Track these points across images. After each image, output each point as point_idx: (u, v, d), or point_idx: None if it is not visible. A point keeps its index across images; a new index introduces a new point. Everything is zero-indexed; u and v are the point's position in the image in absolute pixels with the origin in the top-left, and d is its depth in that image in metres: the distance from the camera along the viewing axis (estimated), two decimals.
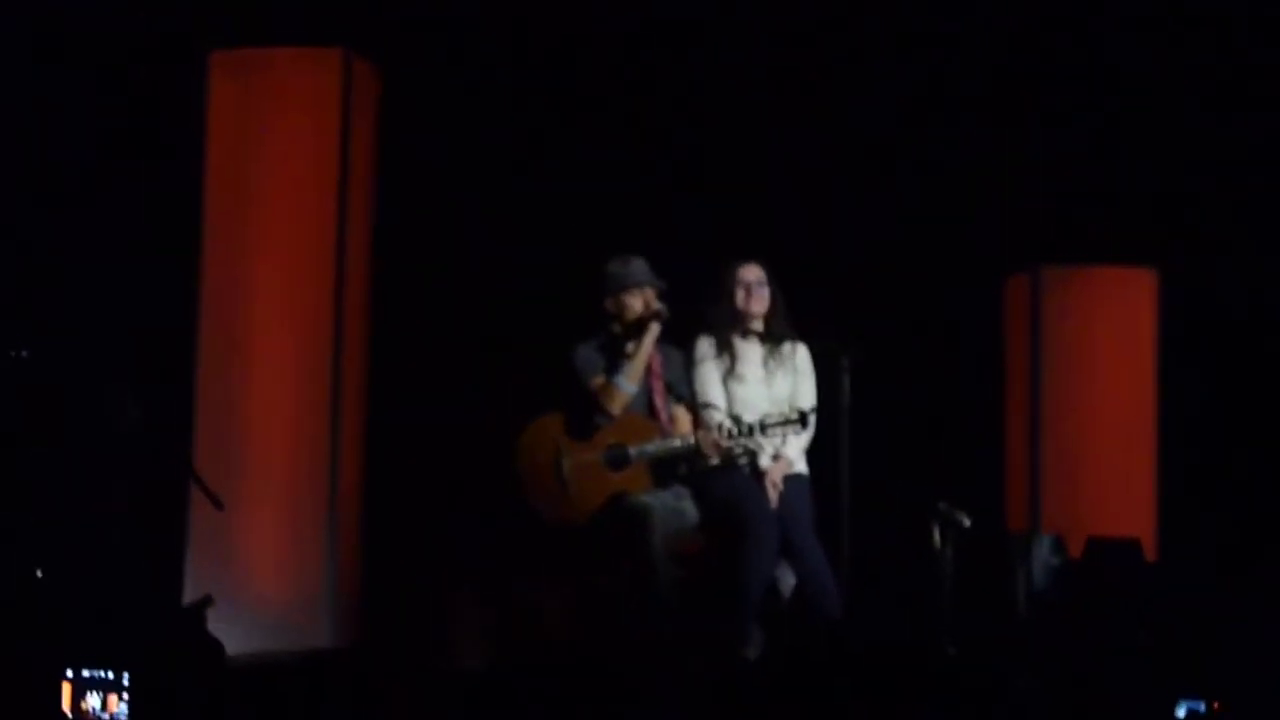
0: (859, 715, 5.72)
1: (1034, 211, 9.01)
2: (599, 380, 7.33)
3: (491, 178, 8.77)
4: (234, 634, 7.01)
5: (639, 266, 7.39)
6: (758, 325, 7.42)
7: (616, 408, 7.28)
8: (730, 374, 7.42)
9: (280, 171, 8.26)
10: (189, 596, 7.73)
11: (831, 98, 8.77)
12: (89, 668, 5.84)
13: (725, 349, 7.44)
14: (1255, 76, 8.71)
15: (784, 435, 7.26)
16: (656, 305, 7.35)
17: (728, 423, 7.26)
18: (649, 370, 7.40)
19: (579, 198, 8.64)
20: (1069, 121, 8.90)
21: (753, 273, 7.41)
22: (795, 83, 8.77)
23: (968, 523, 7.59)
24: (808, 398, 7.40)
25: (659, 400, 7.37)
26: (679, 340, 7.49)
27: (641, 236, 7.71)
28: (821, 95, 8.77)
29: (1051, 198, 8.98)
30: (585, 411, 7.33)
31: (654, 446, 7.23)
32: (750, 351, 7.44)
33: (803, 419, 7.19)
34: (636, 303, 7.38)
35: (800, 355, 7.49)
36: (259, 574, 8.11)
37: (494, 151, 8.74)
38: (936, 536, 7.66)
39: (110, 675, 5.86)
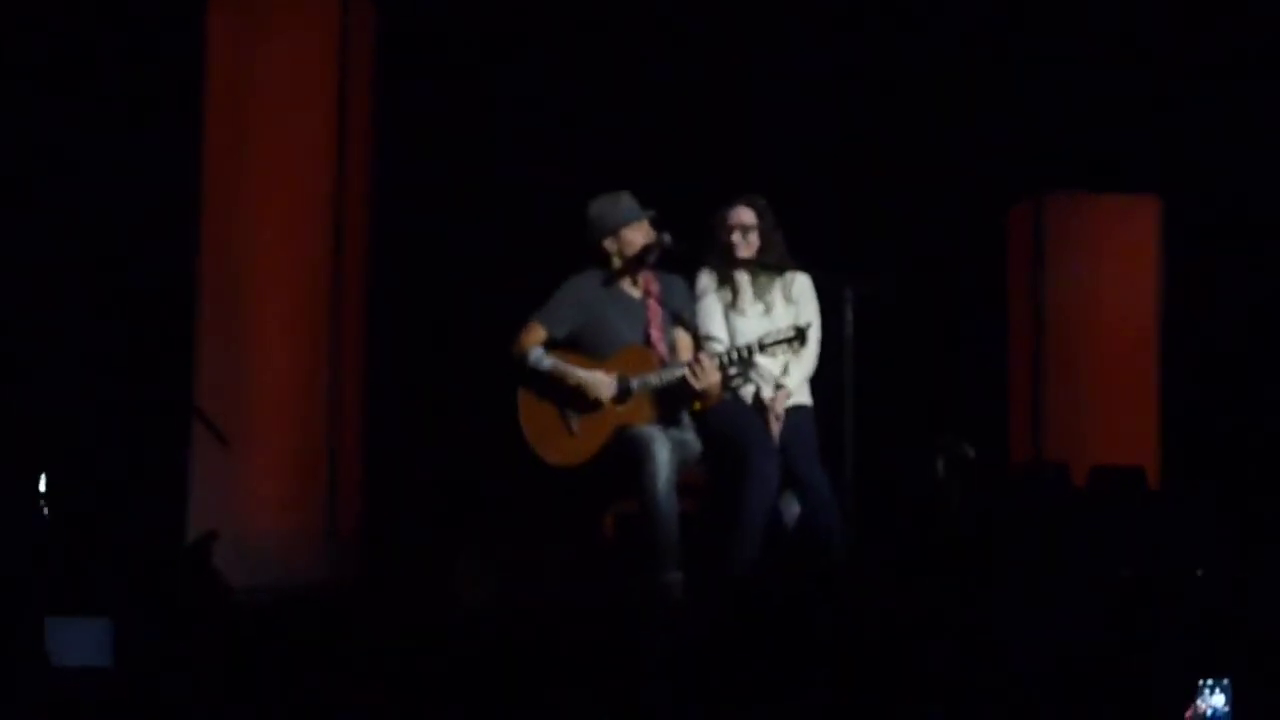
0: (858, 653, 5.73)
1: (1036, 140, 8.97)
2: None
3: (489, 116, 8.74)
4: (238, 569, 7.04)
5: (629, 200, 7.34)
6: (752, 259, 7.40)
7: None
8: (731, 307, 7.41)
9: (278, 111, 8.26)
10: (193, 532, 7.74)
11: (834, 25, 8.72)
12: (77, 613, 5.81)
13: (726, 282, 7.43)
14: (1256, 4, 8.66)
15: (784, 357, 7.25)
16: (655, 235, 7.31)
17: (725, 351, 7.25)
18: (647, 297, 7.37)
19: (580, 134, 8.60)
20: (1071, 49, 8.86)
21: (741, 216, 7.39)
22: (798, 12, 8.73)
23: (972, 453, 7.59)
24: (809, 319, 7.37)
25: (657, 328, 7.33)
26: (676, 268, 7.46)
27: (644, 170, 7.69)
28: (824, 22, 8.72)
29: (1053, 126, 8.94)
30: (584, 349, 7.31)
31: (655, 377, 7.20)
32: (747, 283, 7.42)
33: (800, 335, 7.17)
34: (638, 236, 7.33)
35: (800, 284, 7.46)
36: (262, 510, 8.13)
37: (491, 90, 8.70)
38: (940, 467, 7.66)
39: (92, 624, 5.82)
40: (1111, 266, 9.35)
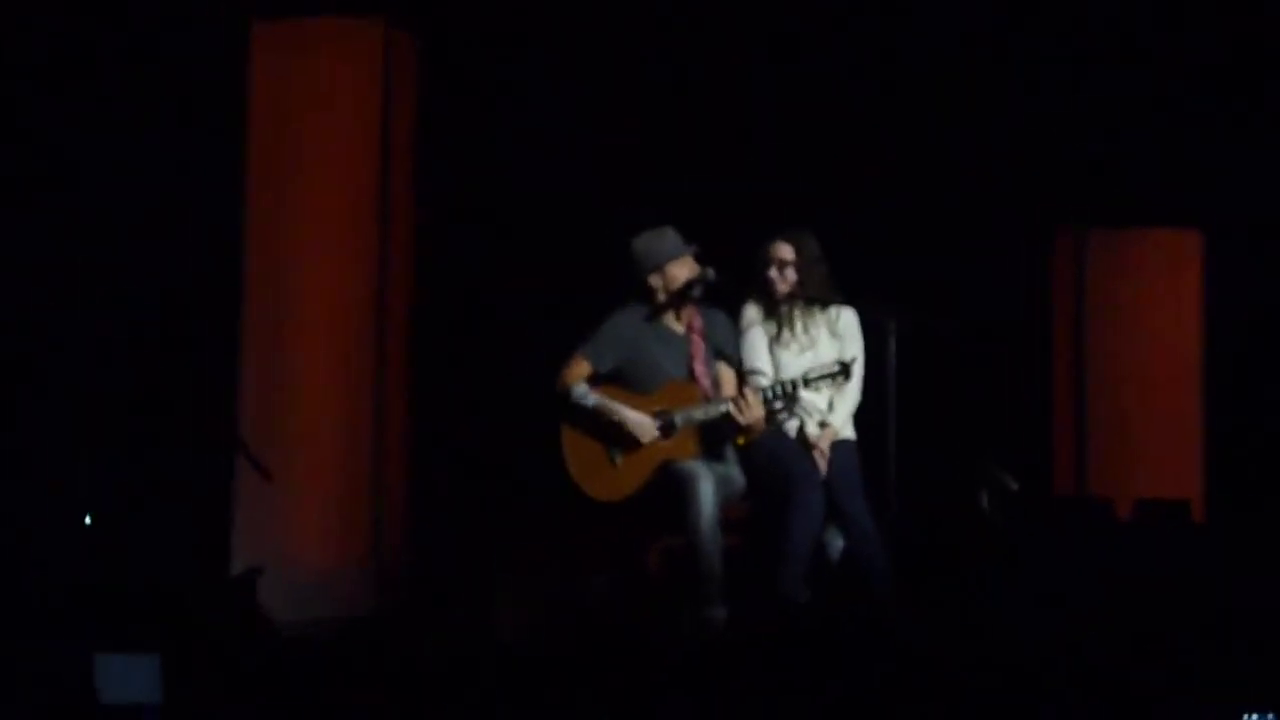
0: (901, 687, 5.73)
1: (1080, 173, 8.95)
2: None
3: (532, 147, 8.75)
4: (283, 603, 7.05)
5: (674, 236, 7.35)
6: (791, 294, 7.40)
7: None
8: (775, 341, 7.42)
9: (323, 145, 8.30)
10: (237, 567, 7.75)
11: (879, 58, 8.71)
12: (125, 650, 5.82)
13: (770, 316, 7.43)
14: None
15: (828, 391, 7.26)
16: (699, 269, 7.32)
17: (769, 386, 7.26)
18: (690, 332, 7.38)
19: (625, 161, 8.61)
20: (1117, 83, 8.84)
21: (780, 251, 7.40)
22: (843, 41, 8.72)
23: (1015, 485, 7.58)
24: (854, 353, 7.37)
25: (700, 363, 7.34)
26: (719, 302, 7.47)
27: (688, 205, 7.69)
28: (869, 54, 8.72)
29: (1098, 159, 8.92)
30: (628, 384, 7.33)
31: (699, 412, 7.20)
32: (793, 317, 7.42)
33: (845, 370, 7.18)
34: (683, 271, 7.34)
35: (845, 319, 7.46)
36: (306, 544, 8.14)
37: (533, 122, 8.72)
38: (984, 499, 7.64)
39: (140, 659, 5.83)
40: (1154, 299, 9.33)
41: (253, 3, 8.18)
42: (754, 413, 7.18)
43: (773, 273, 7.39)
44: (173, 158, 8.32)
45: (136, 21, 8.27)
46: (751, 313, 7.48)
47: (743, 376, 7.40)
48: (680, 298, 7.35)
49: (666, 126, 8.79)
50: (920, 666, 5.92)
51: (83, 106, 8.22)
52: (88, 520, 7.36)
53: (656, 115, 8.79)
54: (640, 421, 7.19)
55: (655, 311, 7.39)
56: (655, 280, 7.36)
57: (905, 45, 8.71)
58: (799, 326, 7.42)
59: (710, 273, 7.31)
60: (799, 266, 7.39)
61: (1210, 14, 8.57)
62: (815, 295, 7.39)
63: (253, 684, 5.88)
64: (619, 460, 7.19)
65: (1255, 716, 5.62)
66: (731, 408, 7.16)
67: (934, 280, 8.39)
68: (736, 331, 7.46)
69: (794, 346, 7.41)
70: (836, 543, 7.24)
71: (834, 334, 7.45)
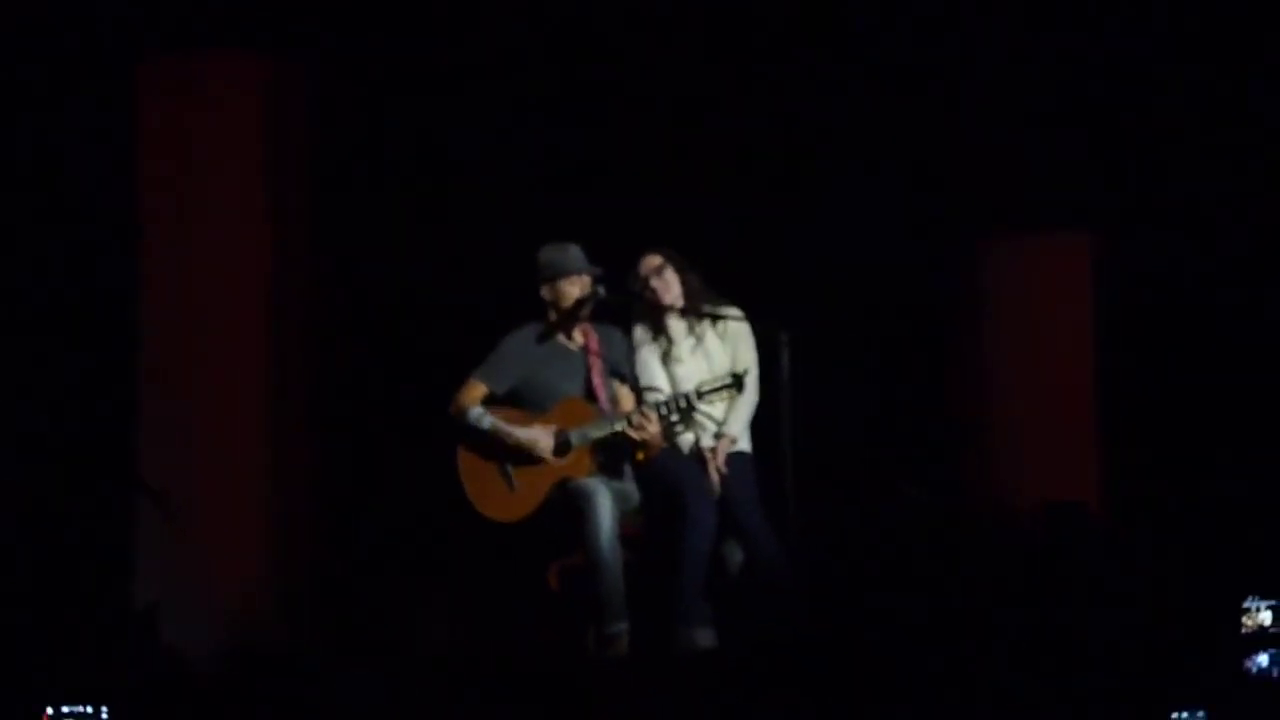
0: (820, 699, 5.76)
1: (974, 177, 8.96)
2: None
3: (423, 168, 8.76)
4: (191, 635, 7.04)
5: (575, 253, 7.39)
6: (679, 305, 7.44)
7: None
8: (668, 355, 7.45)
9: (212, 178, 8.27)
10: (140, 602, 7.72)
11: (775, 76, 8.74)
12: (69, 704, 5.81)
13: (660, 331, 7.46)
14: (1188, 43, 8.69)
15: (723, 403, 7.30)
16: (591, 289, 7.36)
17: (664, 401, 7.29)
18: (587, 350, 7.41)
19: (513, 184, 8.63)
20: (1004, 91, 8.89)
21: (650, 263, 7.44)
22: (737, 60, 8.76)
23: (926, 496, 7.64)
24: (746, 364, 7.40)
25: (598, 380, 7.37)
26: (616, 322, 7.51)
27: (577, 221, 7.72)
28: (763, 73, 8.75)
29: (991, 164, 8.94)
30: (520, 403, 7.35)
31: (595, 429, 7.23)
32: (682, 330, 7.46)
33: (738, 381, 7.22)
34: (574, 289, 7.37)
35: (733, 327, 7.48)
36: (211, 573, 8.10)
37: (424, 142, 8.73)
38: (897, 510, 7.70)
39: (89, 710, 5.82)
40: (1046, 304, 9.34)
41: (138, 40, 8.14)
42: (651, 429, 7.21)
43: (654, 282, 7.42)
44: (60, 213, 8.27)
45: (20, 70, 8.22)
46: (639, 332, 7.50)
47: (639, 394, 7.44)
48: (572, 316, 7.38)
49: (565, 150, 8.80)
50: (826, 675, 5.96)
51: None
52: None
53: (554, 141, 8.80)
54: (535, 438, 7.21)
55: (549, 330, 7.43)
56: (546, 293, 7.39)
57: (799, 53, 8.72)
58: (689, 340, 7.45)
59: (600, 290, 7.34)
60: (676, 270, 7.43)
61: (1095, 14, 8.63)
62: (700, 301, 7.42)
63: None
64: (516, 481, 7.21)
65: (1185, 714, 5.66)
66: (627, 425, 7.20)
67: (829, 288, 8.40)
68: (631, 350, 7.51)
69: (687, 360, 7.44)
70: (736, 556, 7.27)
71: (725, 343, 7.47)
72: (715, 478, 7.29)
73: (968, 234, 9.17)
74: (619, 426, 7.21)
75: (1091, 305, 9.33)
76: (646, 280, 7.42)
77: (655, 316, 7.46)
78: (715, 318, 7.45)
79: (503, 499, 7.21)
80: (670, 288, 7.42)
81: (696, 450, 7.36)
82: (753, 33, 8.68)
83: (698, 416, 7.35)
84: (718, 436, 7.37)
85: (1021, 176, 8.91)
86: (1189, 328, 8.67)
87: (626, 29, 8.67)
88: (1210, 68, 8.68)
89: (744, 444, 7.44)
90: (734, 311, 7.48)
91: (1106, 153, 8.78)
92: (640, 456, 7.31)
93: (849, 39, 8.60)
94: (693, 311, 7.43)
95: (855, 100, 8.70)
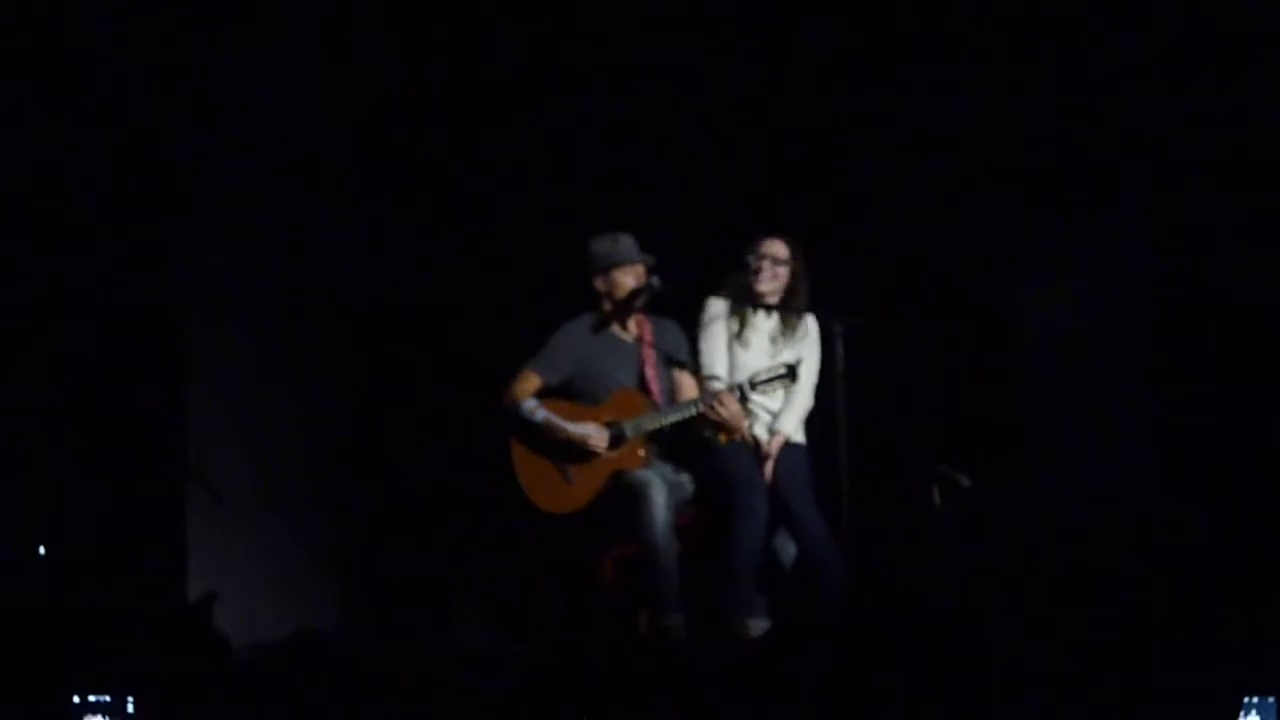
0: (865, 686, 5.74)
1: (1011, 169, 8.84)
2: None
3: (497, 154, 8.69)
4: (239, 625, 7.05)
5: (628, 243, 7.37)
6: (773, 298, 7.40)
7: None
8: (737, 338, 7.40)
9: None
10: (192, 593, 7.73)
11: (816, 63, 8.67)
12: (93, 693, 5.81)
13: (736, 313, 7.40)
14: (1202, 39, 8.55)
15: (777, 394, 7.28)
16: (645, 279, 7.34)
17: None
18: (641, 341, 7.40)
19: (576, 175, 8.58)
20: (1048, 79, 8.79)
21: (774, 249, 7.37)
22: (779, 52, 8.69)
23: (967, 482, 7.61)
24: (809, 366, 7.38)
25: (651, 372, 7.36)
26: (671, 312, 7.48)
27: (641, 212, 7.70)
28: (804, 61, 8.68)
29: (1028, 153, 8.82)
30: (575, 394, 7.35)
31: (648, 421, 7.22)
32: (760, 321, 7.41)
33: (791, 373, 7.19)
34: (629, 279, 7.36)
35: (809, 329, 7.45)
36: (260, 563, 8.13)
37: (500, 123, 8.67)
38: (936, 496, 7.67)
39: (111, 700, 5.82)
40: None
41: None
42: (732, 408, 7.20)
43: (764, 267, 7.38)
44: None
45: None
46: (717, 306, 7.44)
47: (701, 380, 7.42)
48: (626, 306, 7.37)
49: (615, 138, 8.71)
50: (877, 665, 5.95)
51: None
52: (41, 552, 7.34)
53: (617, 115, 8.68)
54: (588, 434, 7.20)
55: (603, 320, 7.42)
56: (600, 284, 7.39)
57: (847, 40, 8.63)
58: (763, 332, 7.41)
59: (655, 281, 7.33)
60: (793, 270, 7.40)
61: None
62: (796, 305, 7.38)
63: (216, 710, 5.88)
64: (570, 472, 7.21)
65: (1257, 700, 5.64)
66: (707, 410, 7.18)
67: (873, 280, 8.32)
68: (687, 340, 7.48)
69: (754, 346, 7.41)
70: (789, 548, 7.27)
71: (795, 343, 7.43)
72: (769, 468, 7.28)
73: (1014, 219, 9.03)
74: (673, 417, 7.20)
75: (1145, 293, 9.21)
76: (761, 262, 7.38)
77: (743, 298, 7.41)
78: (794, 319, 7.40)
79: (557, 491, 7.22)
80: (777, 279, 7.37)
81: (751, 440, 7.34)
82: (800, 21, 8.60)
83: (751, 407, 7.34)
84: (771, 434, 7.35)
85: (1071, 161, 8.80)
86: (1242, 318, 8.57)
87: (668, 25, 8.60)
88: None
89: (799, 437, 7.42)
90: (810, 319, 7.47)
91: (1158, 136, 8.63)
92: (724, 439, 7.28)
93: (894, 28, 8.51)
94: (779, 309, 7.39)
95: (901, 84, 8.60)
